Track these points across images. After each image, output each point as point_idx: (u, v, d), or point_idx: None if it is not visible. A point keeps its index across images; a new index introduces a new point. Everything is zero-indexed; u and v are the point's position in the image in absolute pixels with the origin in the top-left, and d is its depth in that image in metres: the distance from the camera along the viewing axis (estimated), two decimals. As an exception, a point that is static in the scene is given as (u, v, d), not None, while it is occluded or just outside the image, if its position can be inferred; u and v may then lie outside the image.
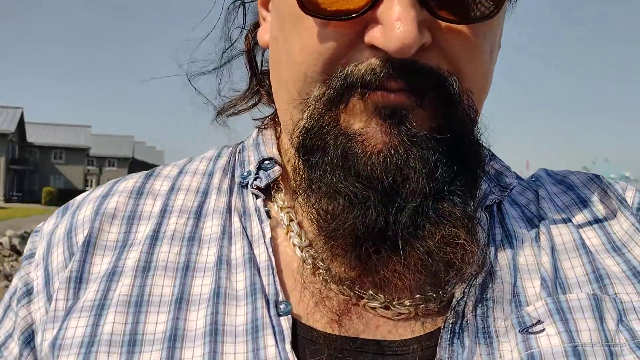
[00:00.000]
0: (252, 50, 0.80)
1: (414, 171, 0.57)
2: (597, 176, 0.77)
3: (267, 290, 0.62)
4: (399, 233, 0.58)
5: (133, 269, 0.64)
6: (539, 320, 0.61)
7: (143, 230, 0.69)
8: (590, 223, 0.72)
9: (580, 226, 0.71)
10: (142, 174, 0.76)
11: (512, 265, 0.66)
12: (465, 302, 0.62)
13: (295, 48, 0.61)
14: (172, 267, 0.65)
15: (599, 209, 0.73)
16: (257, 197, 0.70)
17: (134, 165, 67.64)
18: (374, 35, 0.56)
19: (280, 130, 0.75)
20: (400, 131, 0.57)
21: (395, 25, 0.53)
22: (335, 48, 0.58)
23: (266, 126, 0.78)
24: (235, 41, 0.82)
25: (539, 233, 0.69)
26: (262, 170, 0.72)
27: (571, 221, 0.71)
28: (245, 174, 0.73)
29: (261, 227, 0.67)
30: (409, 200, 0.58)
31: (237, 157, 0.77)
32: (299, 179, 0.64)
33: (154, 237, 0.68)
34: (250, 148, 0.76)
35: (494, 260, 0.66)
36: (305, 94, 0.61)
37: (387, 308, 0.63)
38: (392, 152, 0.57)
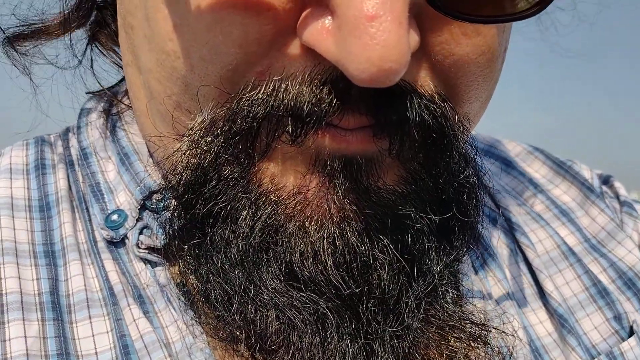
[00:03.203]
0: None
1: (384, 268, 0.34)
2: (538, 149, 0.59)
3: None
4: None
5: None
6: None
7: None
8: (557, 216, 0.55)
9: (548, 222, 0.54)
10: None
11: (517, 306, 0.48)
12: None
13: (163, 25, 0.32)
14: None
15: (558, 196, 0.56)
16: (152, 264, 0.40)
17: None
18: (317, 37, 0.30)
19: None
20: (359, 194, 0.34)
21: (368, 29, 0.27)
22: (244, 44, 0.31)
23: (123, 108, 0.46)
24: None
25: (516, 243, 0.52)
26: (147, 211, 0.41)
27: (542, 217, 0.54)
28: (116, 217, 0.40)
29: (193, 341, 0.38)
30: (382, 320, 0.35)
31: (82, 173, 0.44)
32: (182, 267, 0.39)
33: None
34: (107, 155, 0.44)
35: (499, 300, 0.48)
36: (185, 113, 0.35)
37: None
38: (347, 229, 0.34)
